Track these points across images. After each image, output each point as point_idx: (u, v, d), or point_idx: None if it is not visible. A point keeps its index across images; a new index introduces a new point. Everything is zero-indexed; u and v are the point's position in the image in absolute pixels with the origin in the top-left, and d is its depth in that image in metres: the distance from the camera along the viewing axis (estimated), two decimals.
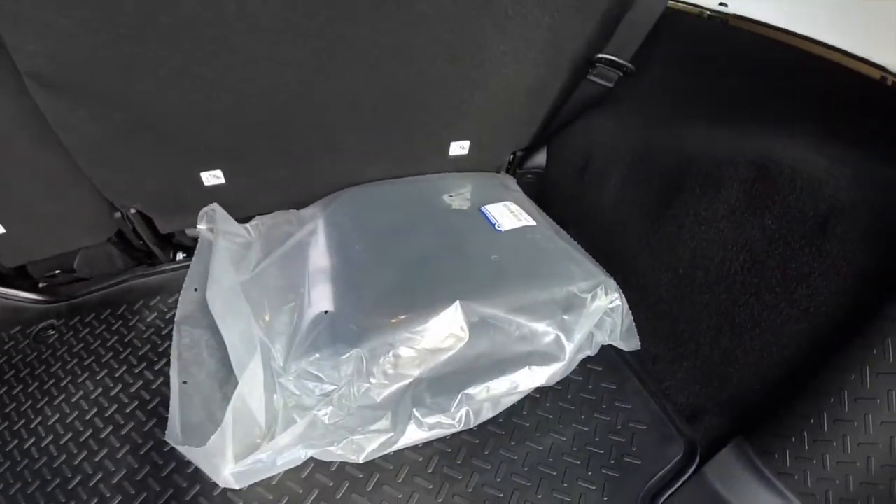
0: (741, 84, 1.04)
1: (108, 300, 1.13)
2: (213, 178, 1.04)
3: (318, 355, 0.81)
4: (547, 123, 1.27)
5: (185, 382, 0.87)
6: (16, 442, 0.89)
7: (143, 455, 0.86)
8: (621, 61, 1.09)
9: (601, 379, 0.98)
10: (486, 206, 1.10)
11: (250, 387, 0.76)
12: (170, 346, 1.00)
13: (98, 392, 0.95)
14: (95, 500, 0.81)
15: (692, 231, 0.97)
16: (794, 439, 0.75)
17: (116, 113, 0.87)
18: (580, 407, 0.94)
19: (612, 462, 0.86)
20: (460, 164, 1.24)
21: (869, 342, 0.69)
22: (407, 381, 0.84)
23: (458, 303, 0.85)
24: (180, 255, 1.26)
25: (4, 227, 1.02)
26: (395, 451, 0.84)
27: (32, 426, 0.91)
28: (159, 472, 0.84)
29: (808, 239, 0.81)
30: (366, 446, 0.80)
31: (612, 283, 0.95)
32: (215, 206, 1.04)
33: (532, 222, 1.07)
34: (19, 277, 1.18)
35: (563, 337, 0.90)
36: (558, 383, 0.94)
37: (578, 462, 0.86)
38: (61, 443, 0.88)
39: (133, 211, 1.08)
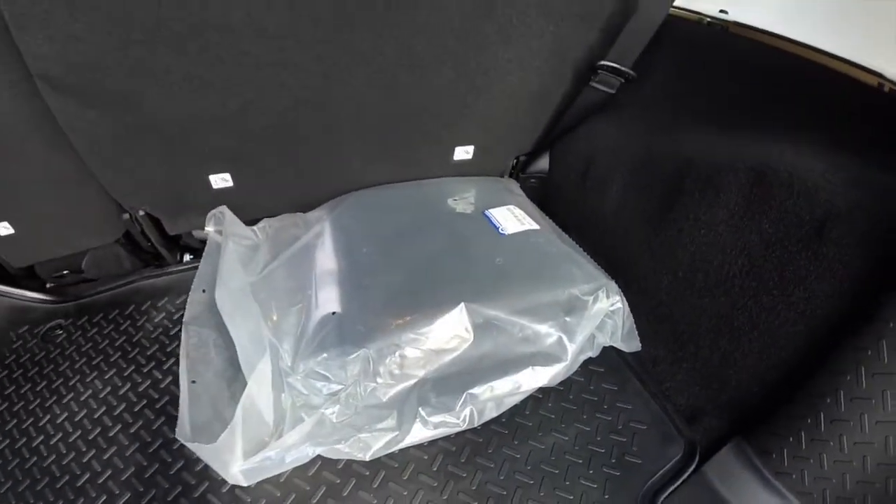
0: (740, 90, 1.05)
1: (116, 300, 1.14)
2: (221, 181, 1.06)
3: (325, 355, 0.82)
4: (550, 129, 1.29)
5: (193, 381, 0.88)
6: (25, 440, 0.90)
7: (151, 453, 0.87)
8: (623, 68, 1.10)
9: (602, 380, 0.99)
10: (490, 210, 1.11)
11: (259, 386, 0.77)
12: (177, 345, 1.02)
13: (107, 391, 0.97)
14: (105, 497, 0.82)
15: (692, 235, 0.99)
16: (791, 439, 0.76)
17: (125, 115, 0.88)
18: (582, 407, 0.95)
19: (614, 461, 0.87)
20: (464, 169, 1.25)
21: (864, 344, 0.70)
22: (412, 381, 0.86)
23: (462, 304, 0.87)
24: (187, 257, 1.27)
25: (14, 227, 1.03)
26: (401, 450, 0.85)
27: (41, 424, 0.92)
28: (168, 470, 0.85)
29: (804, 243, 0.82)
30: (372, 444, 0.82)
31: (613, 285, 0.97)
32: (224, 208, 1.05)
33: (535, 226, 1.08)
34: (27, 278, 1.19)
35: (565, 338, 0.91)
36: (560, 384, 0.95)
37: (580, 461, 0.87)
38: (70, 440, 0.89)
39: (141, 213, 1.09)
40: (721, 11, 1.12)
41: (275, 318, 0.89)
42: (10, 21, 0.71)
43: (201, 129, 0.96)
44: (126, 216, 1.11)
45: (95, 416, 0.93)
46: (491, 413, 0.89)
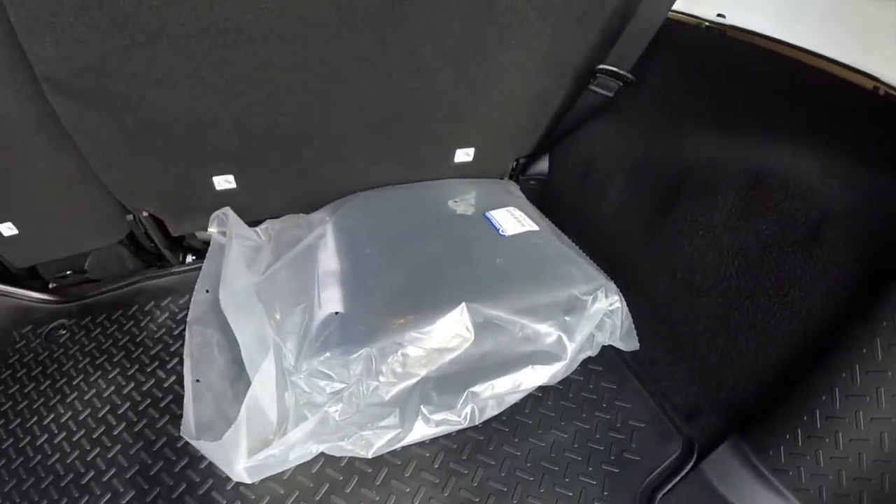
0: (738, 93, 1.06)
1: (119, 301, 1.14)
2: (224, 182, 1.07)
3: (328, 354, 0.83)
4: (549, 131, 1.30)
5: (197, 380, 0.89)
6: (29, 438, 0.90)
7: (156, 451, 0.88)
8: (622, 72, 1.12)
9: (602, 379, 1.00)
10: (491, 212, 1.12)
11: (263, 384, 0.78)
12: (180, 345, 1.03)
13: (110, 390, 0.97)
14: (109, 495, 0.82)
15: (690, 237, 1.00)
16: (788, 436, 0.77)
17: (128, 117, 0.89)
18: (581, 405, 0.96)
19: (612, 458, 0.88)
20: (465, 171, 1.26)
21: (858, 342, 0.72)
22: (414, 380, 0.86)
23: (463, 304, 0.88)
24: (190, 258, 1.27)
25: (18, 227, 1.04)
26: (403, 447, 0.86)
27: (45, 423, 0.92)
28: (172, 468, 0.86)
29: (800, 244, 0.84)
30: (374, 442, 0.83)
31: (612, 286, 0.98)
32: (227, 209, 1.06)
33: (535, 227, 1.09)
34: (29, 278, 1.20)
35: (564, 337, 0.92)
36: (560, 382, 0.96)
37: (579, 458, 0.88)
38: (74, 439, 0.90)
39: (145, 214, 1.10)
40: (719, 15, 1.13)
41: (278, 317, 0.90)
42: (17, 24, 0.72)
43: (205, 130, 0.96)
44: (130, 217, 1.11)
45: (99, 415, 0.93)
46: (492, 411, 0.90)
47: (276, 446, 0.78)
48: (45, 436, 0.91)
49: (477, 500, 0.82)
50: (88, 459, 0.87)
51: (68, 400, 0.96)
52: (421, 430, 0.85)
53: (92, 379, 0.99)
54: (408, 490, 0.83)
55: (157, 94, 0.86)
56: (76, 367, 1.01)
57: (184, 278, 1.18)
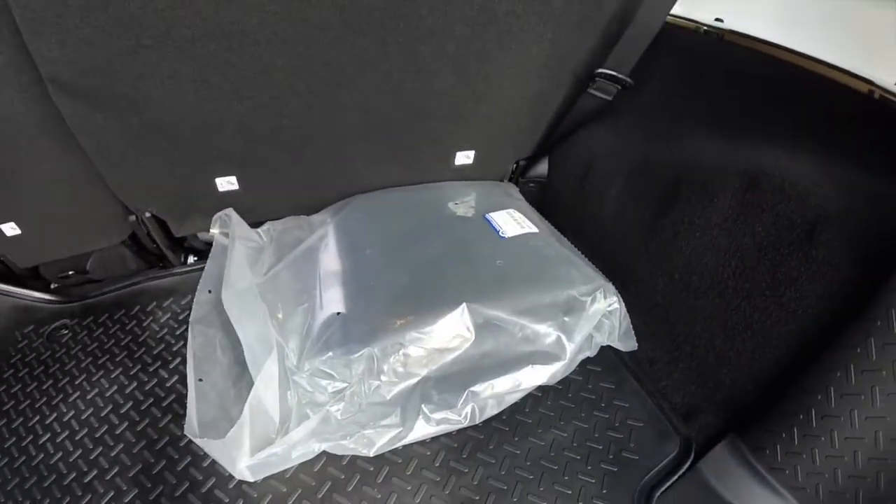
0: (735, 97, 1.07)
1: (121, 301, 1.15)
2: (227, 183, 1.07)
3: (330, 354, 0.83)
4: (549, 134, 1.31)
5: (200, 380, 0.90)
6: (31, 437, 0.91)
7: (158, 450, 0.88)
8: (620, 76, 1.13)
9: (600, 379, 1.01)
10: (491, 214, 1.13)
11: (266, 384, 0.79)
12: (183, 345, 1.03)
13: (113, 389, 0.98)
14: (112, 493, 0.83)
15: (687, 238, 1.01)
16: (784, 435, 0.78)
17: (134, 118, 0.90)
18: (580, 405, 0.97)
19: (611, 457, 0.89)
20: (465, 173, 1.27)
21: (853, 342, 0.73)
22: (415, 379, 0.87)
23: (464, 305, 0.88)
24: (192, 259, 1.28)
25: (21, 227, 1.04)
26: (404, 446, 0.87)
27: (48, 422, 0.93)
28: (175, 466, 0.86)
29: (796, 245, 0.85)
30: (376, 440, 0.83)
31: (610, 287, 0.98)
32: (230, 210, 1.06)
33: (534, 229, 1.10)
34: (31, 278, 1.20)
35: (563, 338, 0.93)
36: (559, 382, 0.97)
37: (578, 457, 0.89)
38: (77, 438, 0.90)
39: (148, 214, 1.11)
40: (717, 20, 1.14)
41: (280, 317, 0.91)
42: (22, 25, 0.72)
43: (210, 132, 0.97)
44: (132, 218, 1.12)
45: (102, 414, 0.94)
46: (492, 410, 0.90)
47: (279, 445, 0.79)
48: (48, 435, 0.91)
49: (477, 498, 0.83)
50: (91, 458, 0.88)
51: (71, 399, 0.96)
52: (422, 429, 0.86)
53: (94, 378, 1.00)
54: (409, 488, 0.84)
55: (162, 95, 0.87)
56: (78, 367, 1.02)
57: (185, 279, 1.19)
